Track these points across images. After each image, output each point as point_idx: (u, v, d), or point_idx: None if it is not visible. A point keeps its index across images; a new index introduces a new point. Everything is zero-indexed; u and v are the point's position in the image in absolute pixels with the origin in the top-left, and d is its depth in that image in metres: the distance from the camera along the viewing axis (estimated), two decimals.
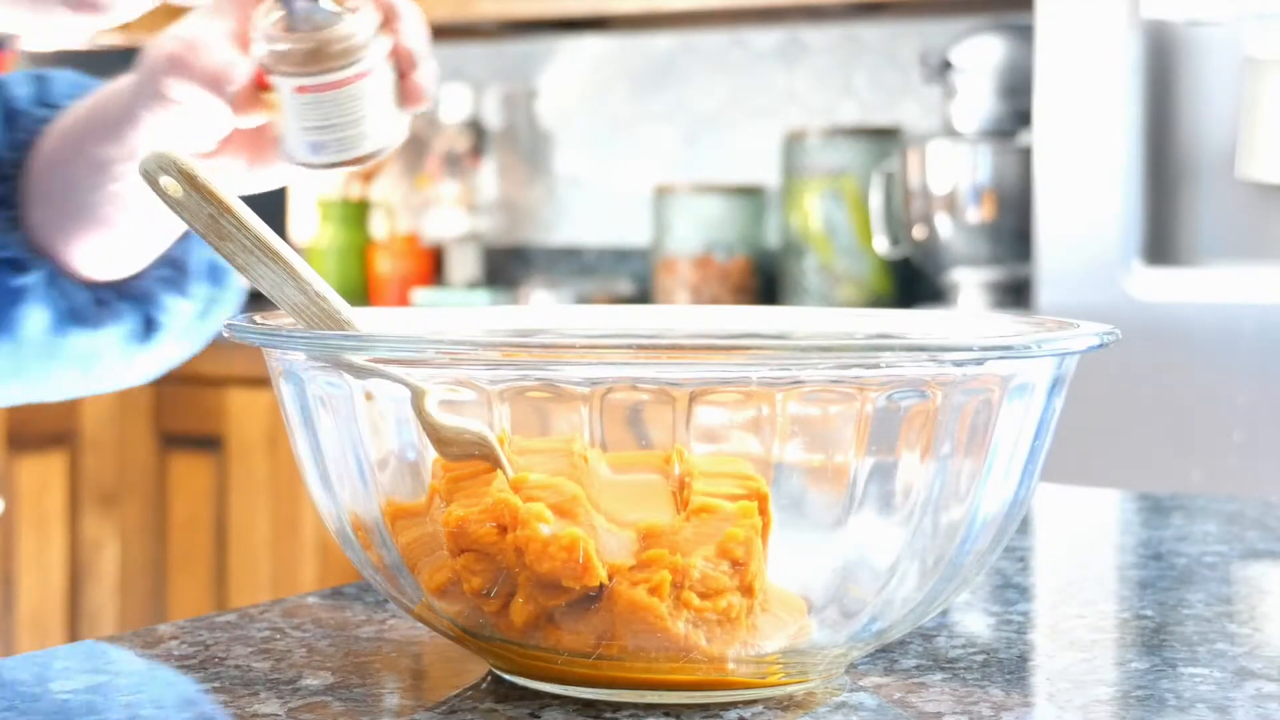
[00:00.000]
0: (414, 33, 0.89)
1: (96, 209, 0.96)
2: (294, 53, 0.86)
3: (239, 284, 1.06)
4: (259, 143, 0.94)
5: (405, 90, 0.90)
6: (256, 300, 1.07)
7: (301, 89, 0.86)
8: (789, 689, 0.70)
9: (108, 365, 1.03)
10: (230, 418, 2.91)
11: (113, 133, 0.93)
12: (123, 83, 0.94)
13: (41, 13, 0.77)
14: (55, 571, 2.94)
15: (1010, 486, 0.70)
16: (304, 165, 0.90)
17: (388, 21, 0.88)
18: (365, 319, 0.72)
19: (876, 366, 0.65)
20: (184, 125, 0.91)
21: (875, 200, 2.83)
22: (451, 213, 3.31)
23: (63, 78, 1.02)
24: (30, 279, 0.98)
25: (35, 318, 0.99)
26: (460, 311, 0.88)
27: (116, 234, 0.97)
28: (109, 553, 2.99)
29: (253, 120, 0.90)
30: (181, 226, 0.98)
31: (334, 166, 0.90)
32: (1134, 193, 2.35)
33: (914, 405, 0.66)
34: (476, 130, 3.35)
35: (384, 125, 0.89)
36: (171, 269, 1.02)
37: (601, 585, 0.66)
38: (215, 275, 1.05)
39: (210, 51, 0.89)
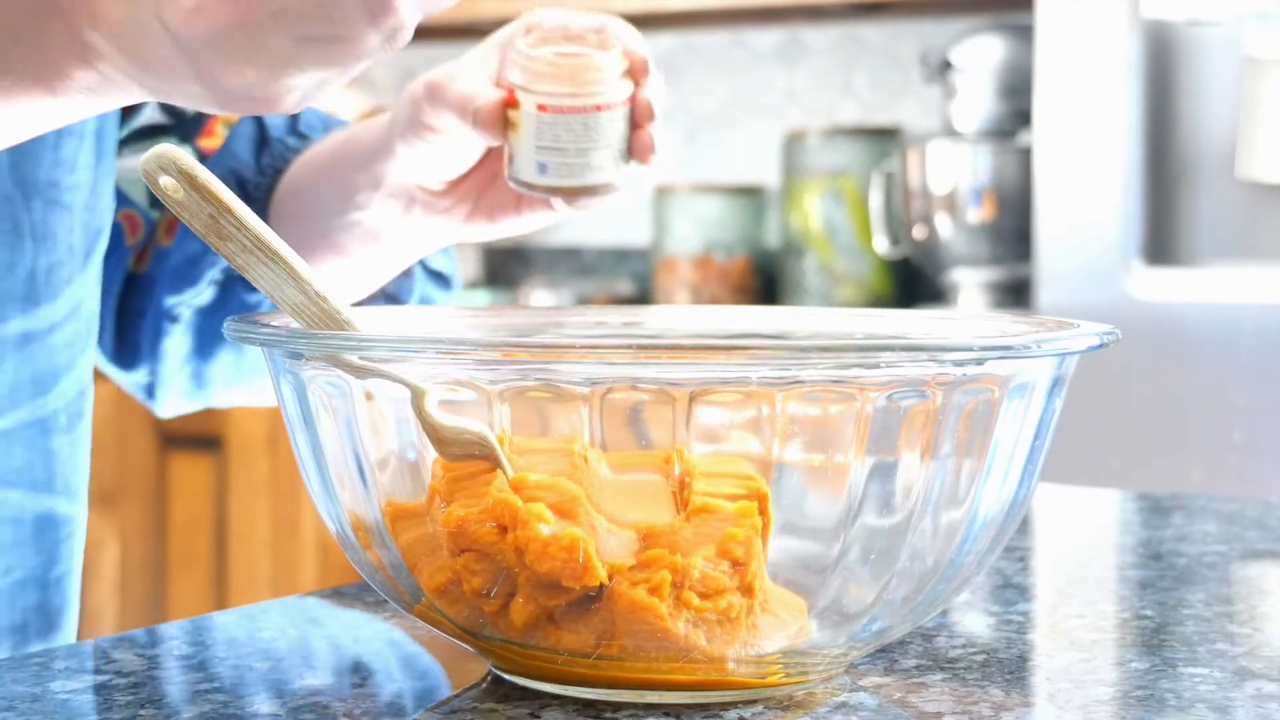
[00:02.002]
0: (656, 91, 0.94)
1: (334, 235, 1.01)
2: (546, 70, 0.92)
3: None
4: (482, 192, 0.98)
5: (636, 142, 0.94)
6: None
7: (543, 107, 0.92)
8: (789, 689, 0.70)
9: None
10: (230, 418, 2.91)
11: (363, 162, 0.99)
12: (380, 118, 0.99)
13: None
14: None
15: (1010, 486, 0.70)
16: (526, 186, 0.94)
17: (636, 72, 0.94)
18: (365, 319, 0.72)
19: (876, 366, 0.65)
20: (430, 157, 0.95)
21: (875, 200, 2.83)
22: None
23: (313, 111, 1.09)
24: (263, 295, 1.03)
25: None
26: (460, 311, 0.88)
27: (348, 262, 1.02)
28: (109, 552, 2.99)
29: (490, 138, 0.93)
30: (406, 261, 1.04)
31: (554, 192, 0.94)
32: (1134, 193, 2.35)
33: (914, 405, 0.66)
34: None
35: (608, 166, 0.94)
36: (387, 302, 1.08)
37: (601, 585, 0.66)
38: None
39: (466, 81, 0.94)
